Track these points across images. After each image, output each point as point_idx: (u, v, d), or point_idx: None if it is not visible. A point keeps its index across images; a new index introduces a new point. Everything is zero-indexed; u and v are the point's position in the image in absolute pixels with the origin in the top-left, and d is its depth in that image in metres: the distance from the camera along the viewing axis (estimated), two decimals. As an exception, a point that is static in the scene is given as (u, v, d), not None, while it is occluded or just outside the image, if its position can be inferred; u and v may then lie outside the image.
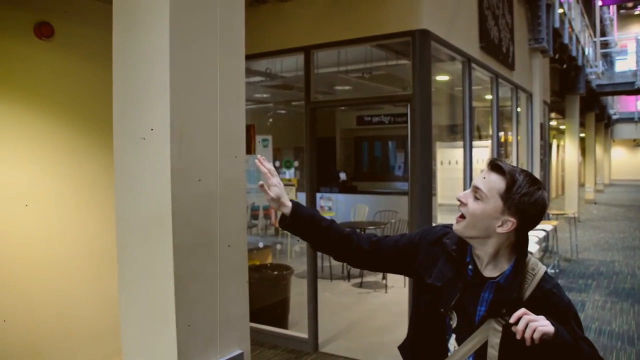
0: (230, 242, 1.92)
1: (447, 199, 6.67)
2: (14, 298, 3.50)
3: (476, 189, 1.51)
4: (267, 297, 5.19)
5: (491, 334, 1.47)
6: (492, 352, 1.46)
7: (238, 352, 1.94)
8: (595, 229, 13.05)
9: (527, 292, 1.48)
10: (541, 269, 1.54)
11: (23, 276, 3.56)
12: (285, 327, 5.13)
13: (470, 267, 1.56)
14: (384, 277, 7.02)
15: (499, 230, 1.48)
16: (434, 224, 4.55)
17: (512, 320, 1.36)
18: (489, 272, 1.53)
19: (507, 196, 1.47)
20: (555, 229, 8.40)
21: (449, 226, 1.61)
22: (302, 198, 4.89)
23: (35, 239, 3.63)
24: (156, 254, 1.72)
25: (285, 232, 1.80)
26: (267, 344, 4.86)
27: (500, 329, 1.45)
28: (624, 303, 6.52)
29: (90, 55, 3.83)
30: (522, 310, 1.37)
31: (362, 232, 1.77)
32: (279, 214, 1.72)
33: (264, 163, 1.72)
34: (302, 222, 1.70)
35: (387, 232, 7.73)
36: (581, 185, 17.50)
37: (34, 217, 3.62)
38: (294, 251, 7.10)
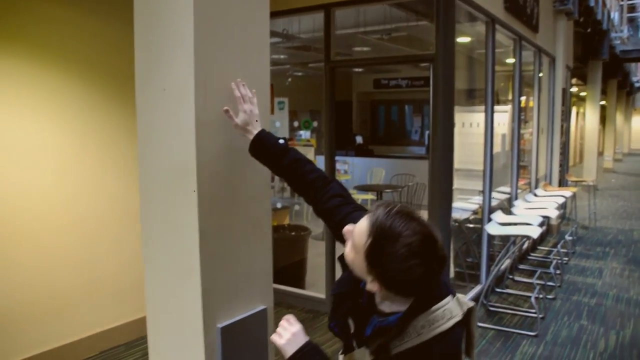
0: (254, 196, 1.89)
1: (463, 163, 6.57)
2: (35, 257, 3.53)
3: (350, 232, 1.22)
4: (285, 258, 5.22)
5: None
6: None
7: (261, 307, 1.93)
8: (613, 198, 12.89)
9: (404, 346, 1.17)
10: (437, 329, 1.17)
11: (44, 235, 3.57)
12: (302, 287, 5.18)
13: (365, 296, 1.27)
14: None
15: (369, 287, 1.18)
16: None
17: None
18: (385, 307, 1.23)
19: (369, 256, 1.14)
20: (574, 196, 8.29)
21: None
22: (320, 161, 4.85)
23: (56, 198, 3.63)
24: (180, 207, 1.70)
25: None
26: (284, 303, 4.90)
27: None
28: (642, 271, 6.47)
29: (108, 7, 3.77)
30: (286, 317, 1.35)
31: (330, 183, 1.56)
32: None
33: (240, 87, 1.70)
34: (262, 151, 1.66)
35: (404, 195, 7.69)
36: (600, 153, 17.21)
37: (55, 176, 3.62)
38: (311, 212, 7.09)
